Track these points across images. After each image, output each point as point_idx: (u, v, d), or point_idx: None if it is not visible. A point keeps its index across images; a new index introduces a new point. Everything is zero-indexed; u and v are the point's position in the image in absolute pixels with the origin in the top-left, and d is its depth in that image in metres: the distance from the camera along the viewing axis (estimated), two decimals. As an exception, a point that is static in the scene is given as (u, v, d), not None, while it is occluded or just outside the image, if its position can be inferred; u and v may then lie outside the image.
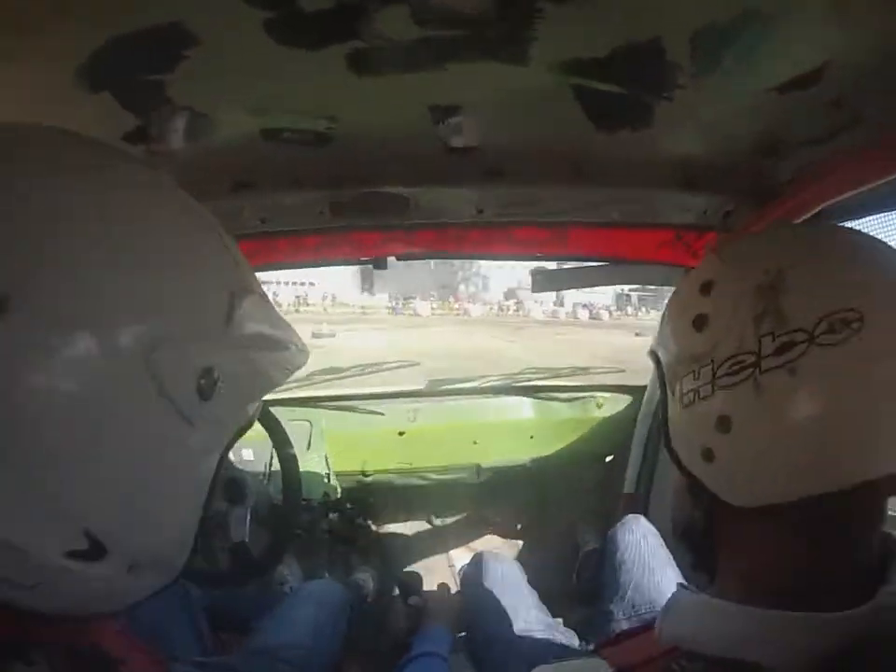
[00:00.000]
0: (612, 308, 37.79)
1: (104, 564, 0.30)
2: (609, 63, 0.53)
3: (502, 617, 0.98)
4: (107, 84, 0.53)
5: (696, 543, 0.46)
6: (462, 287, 43.29)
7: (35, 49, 0.48)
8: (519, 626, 0.95)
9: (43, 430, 0.27)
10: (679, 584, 0.47)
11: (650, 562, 1.03)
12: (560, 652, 0.91)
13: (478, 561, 1.15)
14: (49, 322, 0.27)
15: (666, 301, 0.48)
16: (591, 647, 0.91)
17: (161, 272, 0.32)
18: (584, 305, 35.64)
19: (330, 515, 1.44)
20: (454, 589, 1.02)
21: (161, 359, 0.30)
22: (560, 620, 1.13)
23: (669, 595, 0.46)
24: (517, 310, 33.46)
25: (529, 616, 0.99)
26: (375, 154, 0.75)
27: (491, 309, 33.16)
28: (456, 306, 31.69)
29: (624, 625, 0.96)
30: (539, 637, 0.94)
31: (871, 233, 0.45)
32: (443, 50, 0.51)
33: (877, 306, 0.37)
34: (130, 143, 0.64)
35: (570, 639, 0.97)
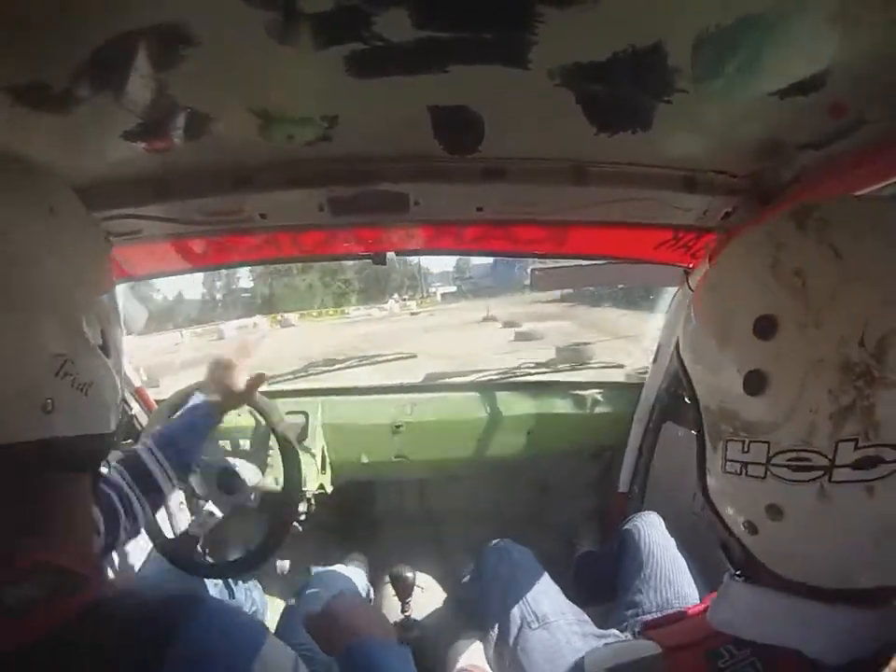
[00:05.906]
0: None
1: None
2: (610, 68, 0.52)
3: (535, 598, 0.99)
4: (107, 83, 0.53)
5: (734, 557, 0.44)
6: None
7: (34, 48, 0.48)
8: (553, 608, 0.97)
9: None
10: (730, 573, 0.45)
11: (677, 558, 1.04)
12: (599, 636, 0.92)
13: (498, 547, 1.17)
14: None
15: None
16: (637, 629, 0.91)
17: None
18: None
19: (326, 507, 1.45)
20: (447, 583, 1.03)
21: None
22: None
23: (697, 593, 0.45)
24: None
25: (559, 599, 1.01)
26: (375, 152, 0.75)
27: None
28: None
29: (658, 616, 0.96)
30: (574, 619, 0.95)
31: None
32: (443, 53, 0.51)
33: None
34: (129, 141, 0.64)
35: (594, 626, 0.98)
